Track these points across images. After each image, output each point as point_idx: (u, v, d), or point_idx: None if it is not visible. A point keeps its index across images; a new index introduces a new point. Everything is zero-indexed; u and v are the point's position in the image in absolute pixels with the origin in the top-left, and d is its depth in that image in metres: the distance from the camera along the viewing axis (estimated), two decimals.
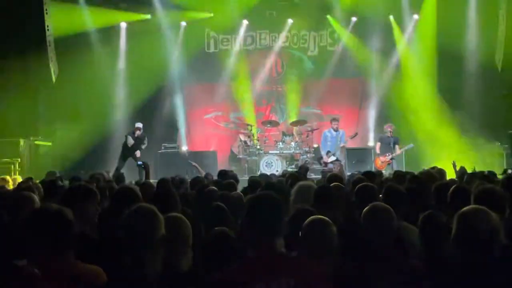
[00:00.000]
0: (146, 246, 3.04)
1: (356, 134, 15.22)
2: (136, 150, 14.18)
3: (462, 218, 3.15)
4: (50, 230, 3.04)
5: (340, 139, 14.83)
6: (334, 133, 14.92)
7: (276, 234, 2.99)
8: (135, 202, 3.56)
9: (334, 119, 15.16)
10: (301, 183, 5.46)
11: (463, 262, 3.08)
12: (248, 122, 16.59)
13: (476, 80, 15.16)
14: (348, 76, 17.53)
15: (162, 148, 15.95)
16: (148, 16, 16.76)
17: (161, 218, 3.16)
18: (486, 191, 4.03)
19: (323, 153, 14.87)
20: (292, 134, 15.92)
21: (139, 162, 12.57)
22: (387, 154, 14.09)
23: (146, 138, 14.45)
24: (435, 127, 15.58)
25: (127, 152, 14.19)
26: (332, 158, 14.58)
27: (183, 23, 17.20)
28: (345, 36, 17.38)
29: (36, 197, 4.99)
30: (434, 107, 15.87)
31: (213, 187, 6.43)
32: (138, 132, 14.30)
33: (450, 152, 15.11)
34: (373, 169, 13.81)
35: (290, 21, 17.33)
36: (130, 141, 14.22)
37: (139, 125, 14.42)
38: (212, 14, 17.19)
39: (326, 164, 14.46)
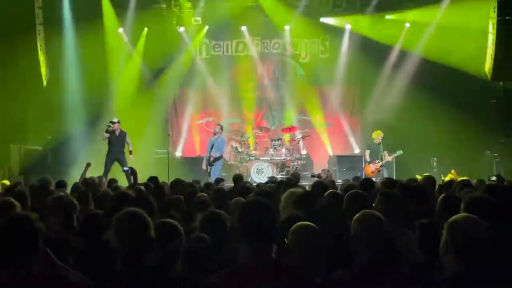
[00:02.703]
0: (135, 249, 3.03)
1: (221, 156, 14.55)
2: (120, 150, 14.00)
3: (452, 226, 3.12)
4: (14, 239, 3.04)
5: (215, 147, 14.33)
6: (212, 138, 14.61)
7: (267, 240, 3.00)
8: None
9: (217, 124, 14.96)
10: (291, 189, 5.47)
11: (453, 271, 3.08)
12: (242, 129, 16.62)
13: (466, 89, 15.23)
14: (339, 84, 17.58)
15: (154, 154, 15.91)
16: (145, 29, 16.80)
17: (150, 221, 3.16)
18: (477, 199, 4.01)
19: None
20: (282, 140, 15.95)
21: (125, 168, 12.43)
22: (377, 161, 14.10)
23: (127, 137, 13.98)
24: (427, 136, 15.66)
25: (112, 154, 14.02)
26: (209, 168, 14.21)
27: (182, 28, 17.20)
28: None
29: (16, 203, 5.00)
30: (423, 115, 15.96)
31: (203, 194, 6.42)
32: (115, 126, 13.82)
33: (440, 160, 15.22)
34: (363, 177, 13.85)
35: (287, 27, 17.41)
36: (105, 135, 13.81)
37: (114, 119, 13.95)
38: (207, 27, 17.25)
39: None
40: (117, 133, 13.91)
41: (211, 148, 14.31)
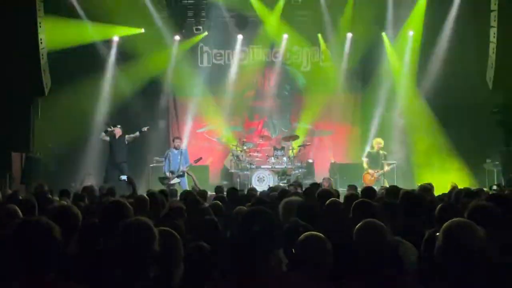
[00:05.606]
0: (140, 259, 3.00)
1: (200, 158, 14.47)
2: (121, 157, 14.03)
3: (447, 231, 3.07)
4: (34, 244, 2.87)
5: (184, 158, 14.19)
6: (175, 151, 14.34)
7: (268, 249, 2.98)
8: (126, 217, 3.54)
9: (176, 138, 14.89)
10: (287, 199, 5.45)
11: (449, 276, 3.04)
12: (244, 138, 16.51)
13: (467, 98, 15.21)
14: (341, 92, 17.56)
15: (154, 162, 15.90)
16: (142, 30, 16.79)
17: (156, 232, 3.12)
18: (480, 208, 3.97)
19: (167, 173, 14.14)
20: (284, 149, 15.92)
21: (123, 177, 12.40)
22: (377, 170, 14.03)
23: (127, 136, 14.26)
24: (428, 145, 15.64)
25: (113, 160, 14.06)
26: (176, 180, 13.87)
27: (177, 37, 17.22)
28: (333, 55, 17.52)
29: (19, 211, 4.97)
30: (425, 124, 15.93)
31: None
32: (116, 130, 14.11)
33: (442, 169, 15.19)
34: (361, 185, 13.80)
35: (285, 36, 17.41)
36: (102, 134, 14.11)
37: (117, 125, 14.34)
38: (206, 33, 17.27)
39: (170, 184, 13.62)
40: (117, 137, 13.99)
41: (179, 161, 14.08)
